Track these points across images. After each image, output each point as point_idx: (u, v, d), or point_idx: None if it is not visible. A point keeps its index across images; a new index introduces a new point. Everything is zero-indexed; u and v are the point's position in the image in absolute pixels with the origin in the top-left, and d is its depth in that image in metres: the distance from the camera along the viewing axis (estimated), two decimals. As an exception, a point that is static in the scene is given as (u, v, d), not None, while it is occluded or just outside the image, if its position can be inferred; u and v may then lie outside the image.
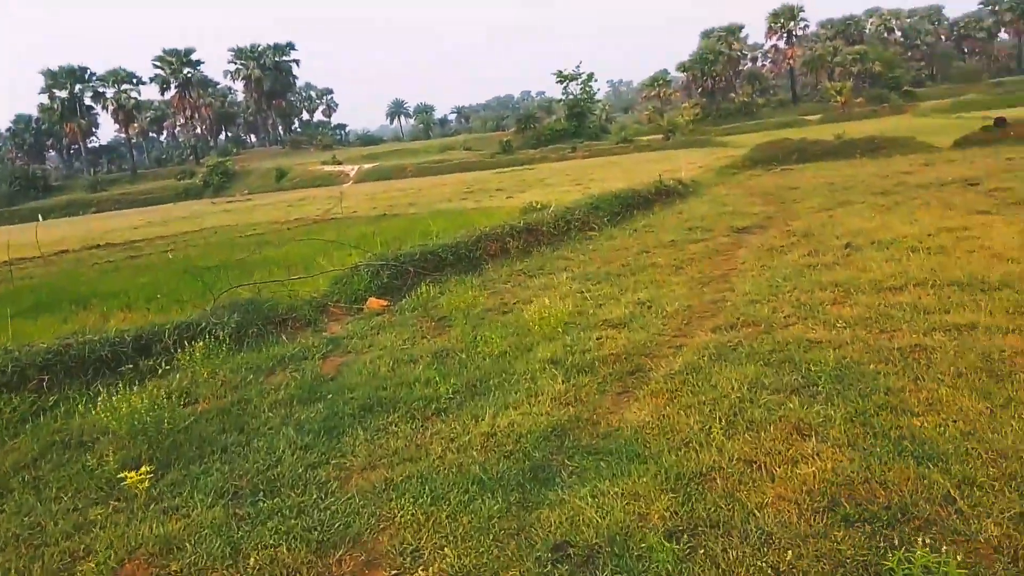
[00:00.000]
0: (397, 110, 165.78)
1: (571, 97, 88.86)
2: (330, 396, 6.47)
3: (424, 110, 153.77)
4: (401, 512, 4.23)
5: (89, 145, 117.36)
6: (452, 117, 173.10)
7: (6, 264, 23.74)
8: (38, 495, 5.02)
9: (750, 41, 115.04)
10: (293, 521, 4.26)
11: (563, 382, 6.04)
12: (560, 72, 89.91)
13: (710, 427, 4.81)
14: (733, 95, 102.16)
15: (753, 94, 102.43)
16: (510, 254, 12.75)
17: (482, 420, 5.44)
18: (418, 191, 42.04)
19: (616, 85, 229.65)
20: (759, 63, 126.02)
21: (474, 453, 4.89)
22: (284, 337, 8.76)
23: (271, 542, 4.07)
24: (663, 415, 5.12)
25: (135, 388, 7.26)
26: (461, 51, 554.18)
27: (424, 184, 49.26)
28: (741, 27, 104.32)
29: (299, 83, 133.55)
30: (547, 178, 40.19)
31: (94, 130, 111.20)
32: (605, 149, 65.46)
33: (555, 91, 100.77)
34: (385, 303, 9.99)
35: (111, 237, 33.58)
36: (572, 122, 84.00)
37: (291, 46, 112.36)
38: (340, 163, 78.93)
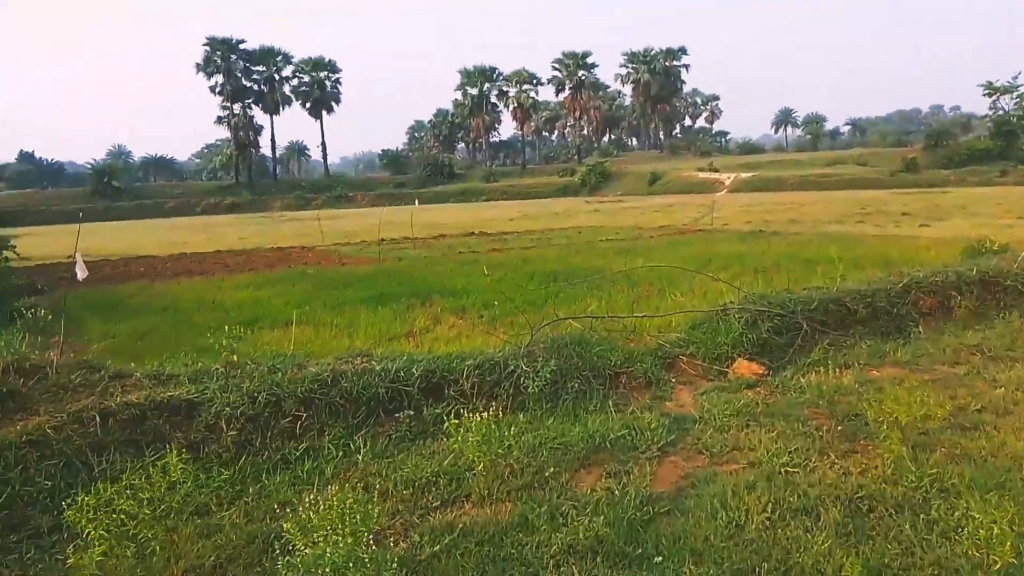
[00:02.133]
0: (784, 119, 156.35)
1: (1000, 113, 74.17)
2: (659, 560, 3.76)
3: (814, 120, 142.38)
4: None
5: (491, 139, 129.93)
6: (845, 129, 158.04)
7: (382, 242, 25.28)
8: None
9: None
10: None
11: None
12: (990, 83, 75.77)
13: None
14: None
15: None
16: (952, 315, 8.76)
17: None
18: (800, 206, 37.19)
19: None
20: None
21: None
22: (611, 402, 6.27)
23: None
24: None
25: (404, 448, 5.40)
26: (863, 57, 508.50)
27: (807, 199, 43.86)
28: None
29: (686, 88, 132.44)
30: (969, 205, 32.62)
31: (497, 126, 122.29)
32: (1048, 175, 52.76)
33: (974, 106, 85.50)
34: (760, 370, 6.97)
35: (488, 226, 34.95)
36: (999, 141, 69.81)
37: (683, 51, 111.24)
38: (716, 170, 75.52)
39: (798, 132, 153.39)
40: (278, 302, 13.05)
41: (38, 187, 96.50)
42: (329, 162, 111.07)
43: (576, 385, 6.40)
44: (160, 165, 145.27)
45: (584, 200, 63.79)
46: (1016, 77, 74.58)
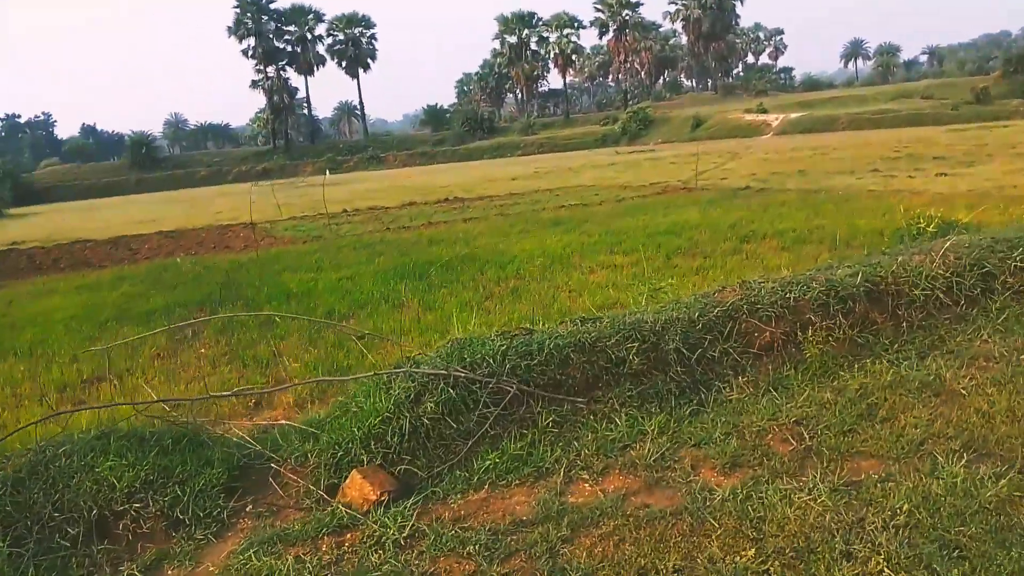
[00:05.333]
0: (854, 51, 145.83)
1: (1098, 28, 66.12)
2: None
3: (886, 51, 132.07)
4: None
5: (541, 88, 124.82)
6: (923, 59, 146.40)
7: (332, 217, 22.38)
8: None
9: None
10: None
11: None
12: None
13: None
14: None
15: None
16: (803, 354, 5.70)
17: None
18: (830, 151, 32.93)
19: None
20: None
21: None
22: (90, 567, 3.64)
23: None
24: None
25: None
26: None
27: (848, 142, 39.15)
28: None
29: (746, 23, 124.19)
30: (1020, 143, 27.86)
31: (546, 74, 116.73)
32: None
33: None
34: (375, 495, 4.14)
35: (485, 187, 32.32)
36: (1091, 63, 62.22)
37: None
38: (765, 111, 69.92)
39: (871, 64, 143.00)
40: (60, 316, 10.79)
41: (99, 160, 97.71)
42: (391, 120, 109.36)
43: (33, 547, 3.77)
44: (214, 132, 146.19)
45: (615, 151, 59.83)
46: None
